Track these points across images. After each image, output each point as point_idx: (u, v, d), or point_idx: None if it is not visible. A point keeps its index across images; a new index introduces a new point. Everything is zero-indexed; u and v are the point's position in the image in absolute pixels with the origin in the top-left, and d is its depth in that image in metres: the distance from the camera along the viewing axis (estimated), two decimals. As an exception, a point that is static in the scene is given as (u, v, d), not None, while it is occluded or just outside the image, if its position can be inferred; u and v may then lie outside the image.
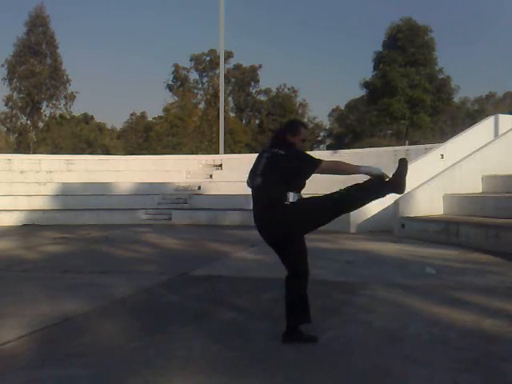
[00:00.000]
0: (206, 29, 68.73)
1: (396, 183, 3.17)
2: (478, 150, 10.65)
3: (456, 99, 39.84)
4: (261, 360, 2.89)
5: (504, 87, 71.19)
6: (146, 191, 14.66)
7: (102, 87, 79.08)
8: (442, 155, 11.09)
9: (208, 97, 42.44)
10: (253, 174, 3.22)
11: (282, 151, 3.14)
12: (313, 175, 3.13)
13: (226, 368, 2.78)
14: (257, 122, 46.25)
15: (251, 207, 3.24)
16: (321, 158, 3.15)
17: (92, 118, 46.20)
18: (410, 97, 33.28)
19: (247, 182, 3.29)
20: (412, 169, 10.65)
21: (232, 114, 43.86)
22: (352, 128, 43.90)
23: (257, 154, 3.33)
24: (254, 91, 46.25)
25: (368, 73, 50.89)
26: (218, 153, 21.43)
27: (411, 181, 10.17)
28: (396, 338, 3.25)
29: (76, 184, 15.24)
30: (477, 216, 8.66)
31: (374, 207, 10.24)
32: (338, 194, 3.12)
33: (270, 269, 5.24)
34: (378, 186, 3.20)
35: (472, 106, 50.17)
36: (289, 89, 46.46)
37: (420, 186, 9.86)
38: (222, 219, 12.26)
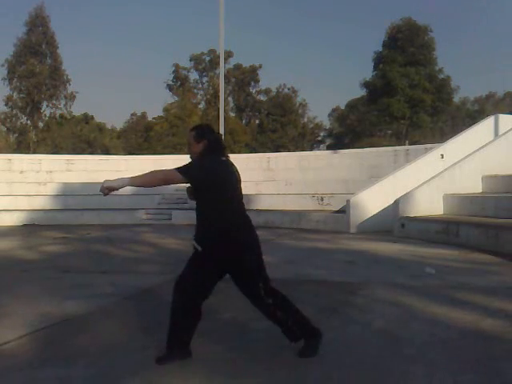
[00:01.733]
0: (206, 29, 68.75)
1: None
2: (478, 150, 10.65)
3: (456, 99, 39.93)
4: (261, 360, 2.88)
5: (504, 87, 71.16)
6: (146, 191, 14.60)
7: (102, 87, 79.24)
8: (442, 155, 11.10)
9: (208, 97, 42.43)
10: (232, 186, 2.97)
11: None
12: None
13: (226, 368, 2.78)
14: (257, 122, 46.23)
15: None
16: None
17: (92, 117, 46.18)
18: (409, 97, 33.32)
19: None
20: (412, 169, 10.80)
21: (232, 114, 43.82)
22: (352, 128, 43.87)
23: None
24: (254, 91, 46.28)
25: (368, 73, 50.98)
26: (217, 153, 21.37)
27: (411, 181, 10.26)
28: (396, 337, 3.25)
29: (76, 184, 15.25)
30: (477, 216, 8.66)
31: (374, 207, 10.26)
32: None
33: (269, 268, 5.22)
34: None
35: (472, 106, 50.12)
36: (289, 89, 46.46)
37: (420, 186, 9.86)
38: (222, 219, 12.23)
